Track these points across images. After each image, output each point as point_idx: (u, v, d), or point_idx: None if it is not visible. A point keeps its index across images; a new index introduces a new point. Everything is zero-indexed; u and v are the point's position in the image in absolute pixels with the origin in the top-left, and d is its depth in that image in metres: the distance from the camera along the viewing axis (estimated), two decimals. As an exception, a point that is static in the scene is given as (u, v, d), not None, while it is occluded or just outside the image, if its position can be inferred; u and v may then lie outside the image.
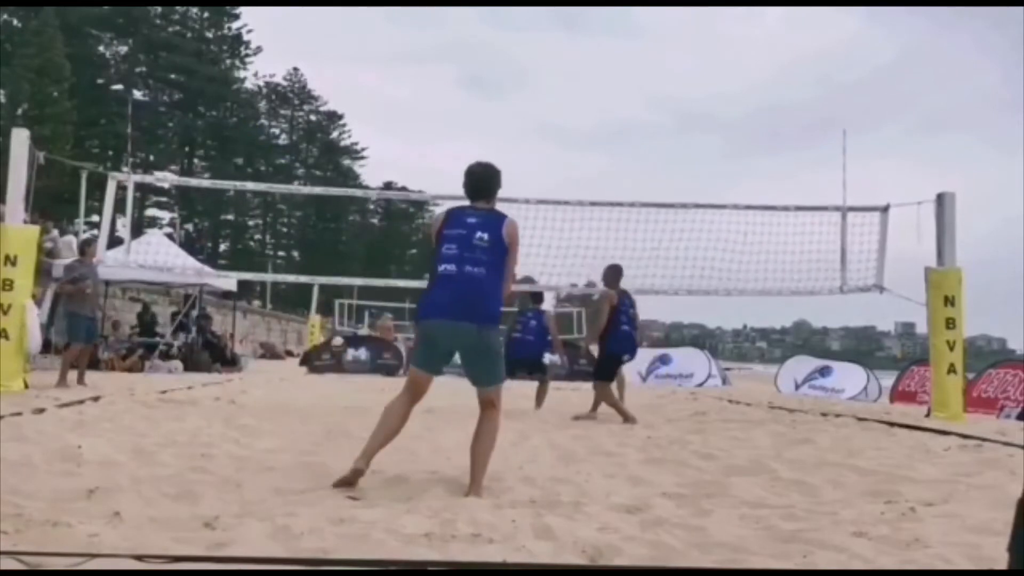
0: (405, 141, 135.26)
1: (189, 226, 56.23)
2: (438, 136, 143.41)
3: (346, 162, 72.42)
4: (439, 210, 4.64)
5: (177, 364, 16.32)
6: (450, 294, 4.12)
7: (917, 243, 9.72)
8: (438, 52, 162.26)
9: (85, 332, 10.74)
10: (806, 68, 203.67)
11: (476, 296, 4.12)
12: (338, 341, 20.93)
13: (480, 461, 4.11)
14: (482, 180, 4.41)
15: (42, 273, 12.94)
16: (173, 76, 57.93)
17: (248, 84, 65.47)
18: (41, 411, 6.75)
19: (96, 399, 8.31)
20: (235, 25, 61.57)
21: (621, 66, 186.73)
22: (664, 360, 19.36)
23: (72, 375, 10.43)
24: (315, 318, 31.74)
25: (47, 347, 13.53)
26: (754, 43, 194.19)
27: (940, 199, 9.77)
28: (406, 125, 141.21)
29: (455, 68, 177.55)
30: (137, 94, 54.13)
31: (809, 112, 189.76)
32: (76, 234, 15.30)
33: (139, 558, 2.56)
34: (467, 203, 4.44)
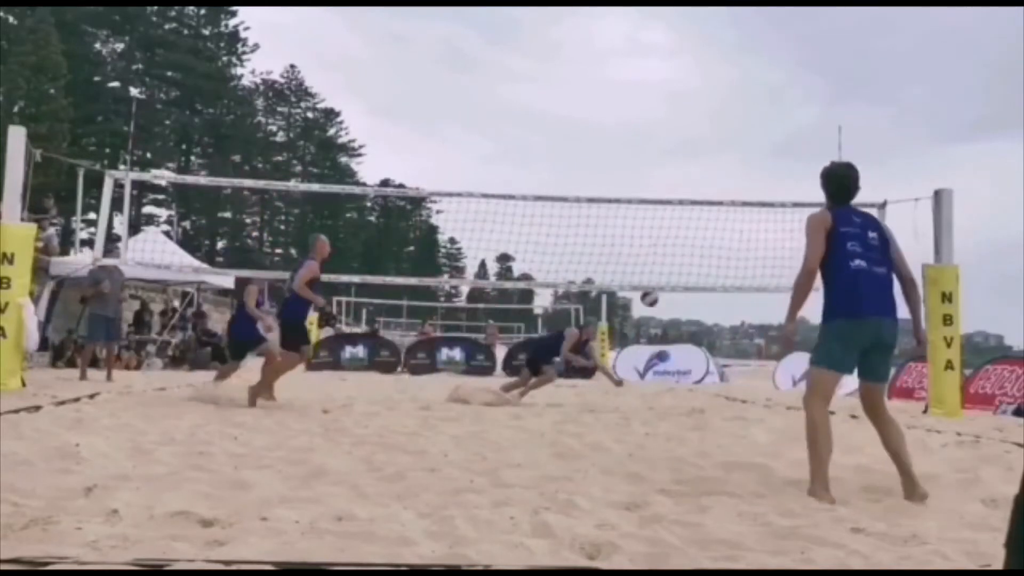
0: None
1: (187, 223, 56.15)
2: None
3: (343, 159, 72.30)
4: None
5: (157, 361, 16.46)
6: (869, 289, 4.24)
7: (915, 241, 9.69)
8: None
9: (104, 331, 11.66)
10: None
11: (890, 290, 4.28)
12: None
13: None
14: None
15: (39, 271, 12.95)
16: (170, 73, 57.78)
17: (245, 81, 65.34)
18: (38, 409, 6.75)
19: (93, 396, 8.31)
20: (232, 22, 61.43)
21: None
22: (662, 357, 19.38)
23: (95, 372, 11.63)
24: (313, 315, 31.72)
25: (44, 345, 13.57)
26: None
27: (937, 196, 9.76)
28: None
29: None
30: (134, 91, 53.92)
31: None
32: (57, 227, 15.36)
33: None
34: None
